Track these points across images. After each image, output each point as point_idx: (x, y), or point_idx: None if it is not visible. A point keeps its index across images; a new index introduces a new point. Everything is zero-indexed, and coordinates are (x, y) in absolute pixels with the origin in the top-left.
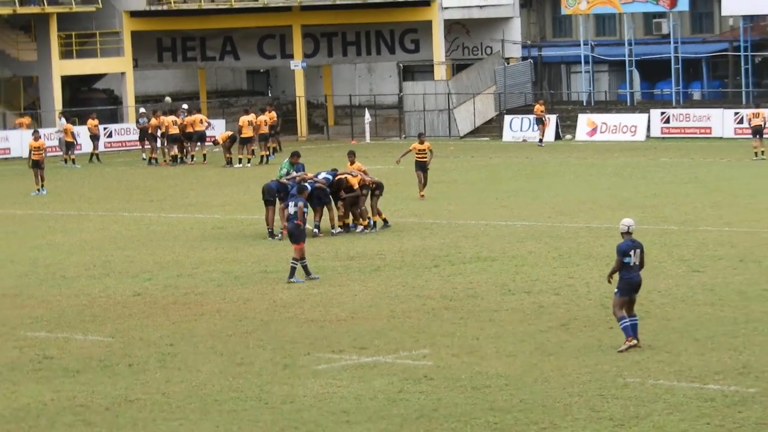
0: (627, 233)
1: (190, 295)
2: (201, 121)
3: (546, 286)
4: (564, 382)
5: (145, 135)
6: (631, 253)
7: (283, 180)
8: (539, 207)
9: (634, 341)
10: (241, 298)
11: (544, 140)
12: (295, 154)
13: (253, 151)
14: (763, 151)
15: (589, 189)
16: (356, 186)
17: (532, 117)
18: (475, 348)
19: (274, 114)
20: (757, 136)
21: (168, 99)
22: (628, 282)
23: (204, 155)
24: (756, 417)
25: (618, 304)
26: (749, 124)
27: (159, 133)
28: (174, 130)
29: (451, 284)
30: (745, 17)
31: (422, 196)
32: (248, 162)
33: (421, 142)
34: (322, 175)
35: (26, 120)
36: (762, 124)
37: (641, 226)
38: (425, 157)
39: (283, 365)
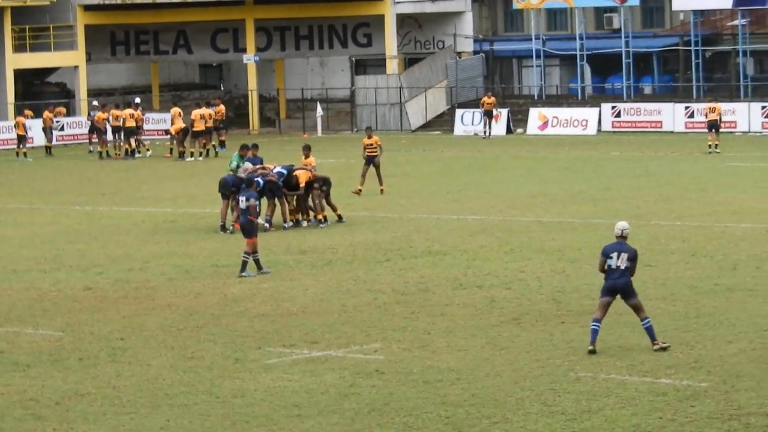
0: (621, 237)
1: (141, 289)
2: (180, 115)
3: (497, 280)
4: (516, 376)
5: (94, 128)
6: (613, 255)
7: (241, 174)
8: (491, 201)
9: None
10: (192, 292)
11: (492, 134)
12: (246, 147)
13: (204, 144)
14: (717, 145)
15: (541, 183)
16: (302, 184)
17: (482, 110)
18: (426, 342)
19: (222, 107)
20: (713, 131)
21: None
22: (607, 285)
23: (171, 150)
24: (707, 411)
25: (599, 305)
26: (705, 118)
27: (109, 126)
28: (130, 123)
29: (402, 278)
30: (695, 12)
31: (381, 191)
32: (200, 155)
33: (369, 137)
34: (277, 169)
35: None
36: (718, 119)
37: (592, 221)
38: (375, 152)
39: (234, 359)
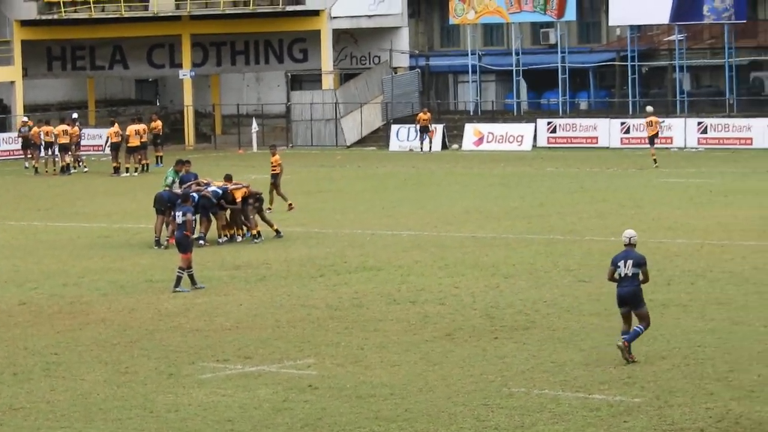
0: (628, 244)
1: (76, 304)
2: (117, 132)
3: (431, 295)
4: (449, 391)
5: (28, 144)
6: (620, 263)
7: (177, 190)
8: (425, 216)
9: (620, 342)
10: (126, 307)
11: (432, 149)
12: (181, 162)
13: (139, 159)
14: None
15: (476, 199)
16: (239, 199)
17: (417, 126)
18: (360, 357)
19: (159, 123)
20: (653, 144)
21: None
22: (616, 295)
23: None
24: (641, 426)
25: (621, 318)
26: (647, 133)
27: (43, 142)
28: (64, 140)
29: (336, 294)
30: (632, 27)
31: (269, 209)
32: (135, 171)
33: (273, 154)
34: (212, 188)
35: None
36: (658, 131)
37: (527, 236)
38: (276, 170)
39: (168, 374)
